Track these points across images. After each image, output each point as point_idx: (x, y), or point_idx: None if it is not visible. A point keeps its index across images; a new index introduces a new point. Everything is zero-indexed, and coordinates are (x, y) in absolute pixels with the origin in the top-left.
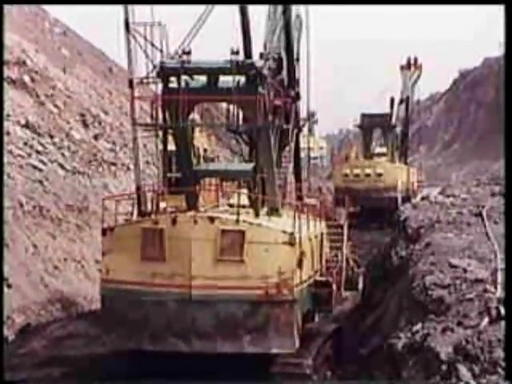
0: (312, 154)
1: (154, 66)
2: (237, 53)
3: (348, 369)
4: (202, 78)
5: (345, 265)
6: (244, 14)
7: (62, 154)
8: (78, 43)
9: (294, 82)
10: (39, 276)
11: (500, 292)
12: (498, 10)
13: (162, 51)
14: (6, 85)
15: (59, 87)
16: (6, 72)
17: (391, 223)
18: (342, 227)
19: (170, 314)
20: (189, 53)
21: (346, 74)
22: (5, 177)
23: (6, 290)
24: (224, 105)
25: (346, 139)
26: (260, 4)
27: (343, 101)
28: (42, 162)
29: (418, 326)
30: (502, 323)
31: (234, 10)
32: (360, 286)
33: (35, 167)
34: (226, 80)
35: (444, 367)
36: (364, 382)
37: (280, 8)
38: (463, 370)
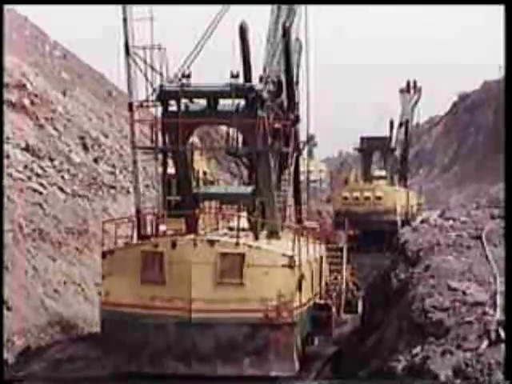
0: (311, 177)
1: (154, 90)
2: (236, 76)
3: None
4: (202, 102)
5: (344, 288)
6: (244, 38)
7: (62, 177)
8: (78, 66)
9: (293, 105)
10: (39, 299)
11: (499, 315)
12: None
13: (161, 74)
14: (5, 108)
15: (59, 110)
16: (6, 95)
17: (391, 246)
18: (341, 250)
19: (169, 336)
20: (188, 76)
21: (346, 97)
22: (5, 200)
23: (5, 312)
24: (224, 128)
25: (346, 162)
26: (259, 4)
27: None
28: (41, 185)
29: (418, 349)
30: (502, 346)
31: (234, 33)
32: (360, 308)
33: (35, 190)
34: (225, 103)
35: None
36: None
37: (280, 31)
38: None
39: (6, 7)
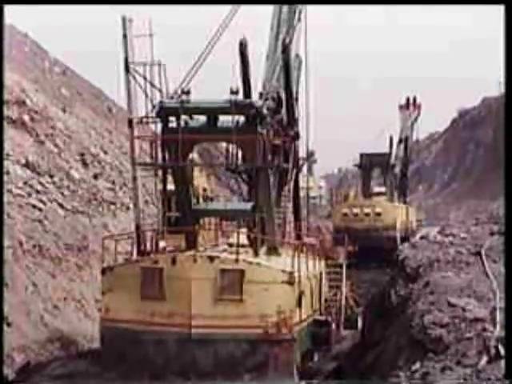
0: (311, 194)
1: (154, 106)
2: (236, 92)
3: None
4: (202, 118)
5: (344, 304)
6: (243, 54)
7: (62, 194)
8: (78, 83)
9: (293, 121)
10: (39, 315)
11: (499, 331)
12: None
13: (161, 91)
14: (5, 124)
15: (59, 127)
16: (6, 111)
17: (390, 262)
18: (341, 266)
19: (169, 352)
20: (188, 92)
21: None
22: (4, 216)
23: (5, 328)
24: (223, 144)
25: (345, 179)
26: (261, 4)
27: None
28: (41, 201)
29: (417, 365)
30: (502, 362)
31: (234, 50)
32: (359, 324)
33: (35, 206)
34: (225, 119)
35: None
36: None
37: (279, 48)
38: None
39: (6, 22)
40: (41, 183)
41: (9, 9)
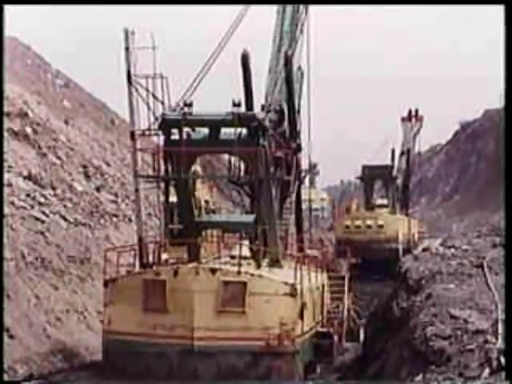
0: (313, 206)
1: (156, 118)
2: (238, 105)
3: None
4: (204, 130)
5: (346, 316)
6: (246, 66)
7: (64, 206)
8: (80, 95)
9: (295, 133)
10: (41, 327)
11: (501, 343)
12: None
13: (163, 103)
14: (7, 136)
15: (61, 139)
16: (8, 124)
17: (392, 274)
18: (343, 278)
19: (171, 365)
20: (190, 105)
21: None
22: (7, 228)
23: (8, 340)
24: (226, 156)
25: (348, 191)
26: (265, 4)
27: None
28: (44, 213)
29: (420, 377)
30: (503, 374)
31: (236, 61)
32: (361, 337)
33: (37, 219)
34: (227, 132)
35: None
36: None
37: (282, 60)
38: None
39: (8, 35)
40: (43, 195)
41: (9, 13)
